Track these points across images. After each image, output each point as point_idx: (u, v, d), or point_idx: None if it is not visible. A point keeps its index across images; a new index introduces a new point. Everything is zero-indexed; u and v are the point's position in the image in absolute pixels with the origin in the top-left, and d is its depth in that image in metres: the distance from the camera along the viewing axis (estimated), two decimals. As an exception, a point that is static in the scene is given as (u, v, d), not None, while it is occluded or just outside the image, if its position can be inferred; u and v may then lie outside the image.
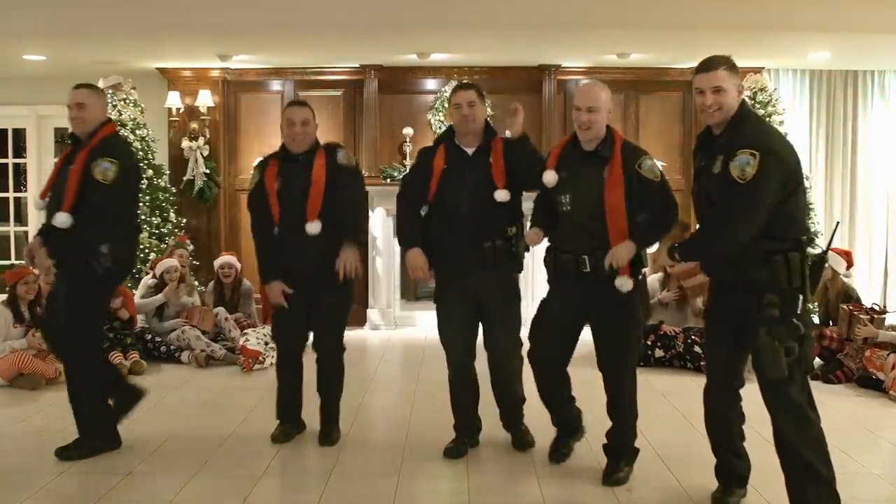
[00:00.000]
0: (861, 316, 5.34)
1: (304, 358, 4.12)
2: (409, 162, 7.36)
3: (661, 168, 3.52)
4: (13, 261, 8.06)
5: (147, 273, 6.61)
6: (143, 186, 7.06)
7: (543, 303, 3.62)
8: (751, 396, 3.06)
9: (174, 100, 7.61)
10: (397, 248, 7.43)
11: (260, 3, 5.59)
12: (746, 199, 2.79)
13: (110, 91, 7.08)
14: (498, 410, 3.98)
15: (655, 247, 5.29)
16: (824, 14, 5.76)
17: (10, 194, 8.54)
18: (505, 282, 3.78)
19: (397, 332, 7.49)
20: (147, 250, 6.91)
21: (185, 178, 7.62)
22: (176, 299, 6.22)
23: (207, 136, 7.65)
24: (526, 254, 3.85)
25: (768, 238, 2.83)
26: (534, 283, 6.48)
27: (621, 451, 3.54)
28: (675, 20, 5.93)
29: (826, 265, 3.06)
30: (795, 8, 5.60)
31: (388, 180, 7.41)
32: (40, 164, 8.14)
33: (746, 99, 5.33)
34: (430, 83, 7.84)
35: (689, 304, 5.93)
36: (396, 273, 7.69)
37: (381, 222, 7.57)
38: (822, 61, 7.46)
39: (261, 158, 4.16)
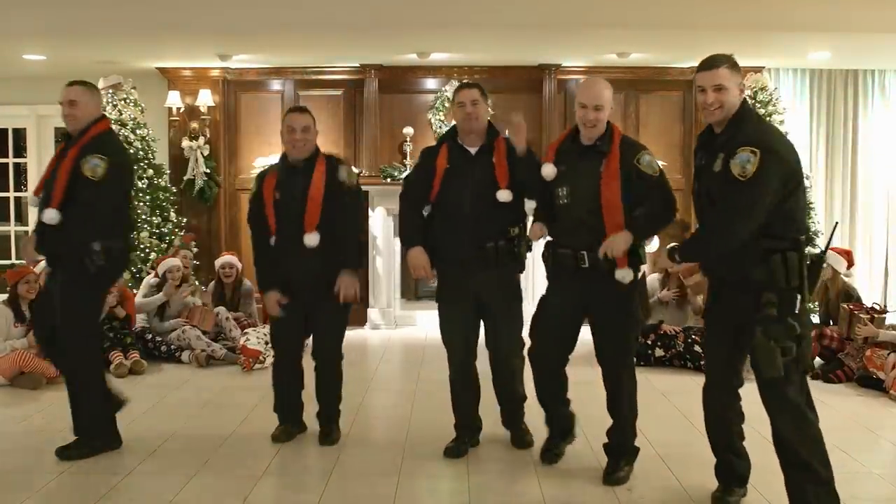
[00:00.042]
0: (861, 315, 5.34)
1: (303, 361, 4.11)
2: (409, 161, 7.37)
3: (660, 164, 3.52)
4: (14, 260, 8.06)
5: (149, 273, 6.61)
6: (144, 186, 7.08)
7: (543, 299, 3.62)
8: (750, 396, 3.06)
9: (174, 99, 7.61)
10: (398, 248, 7.45)
11: (260, 3, 5.59)
12: (746, 196, 2.80)
13: (110, 91, 7.09)
14: (498, 408, 3.99)
15: (655, 247, 5.31)
16: (824, 14, 5.76)
17: (11, 194, 8.56)
18: (507, 282, 3.79)
19: (397, 331, 7.49)
20: (148, 250, 6.92)
21: (185, 178, 7.63)
22: (179, 299, 6.23)
23: (208, 135, 7.66)
24: (528, 254, 3.85)
25: (767, 237, 2.83)
26: (534, 282, 6.48)
27: (621, 450, 3.55)
28: (675, 20, 5.94)
29: (825, 265, 3.06)
30: (795, 8, 5.60)
31: (389, 180, 7.42)
32: (40, 163, 8.11)
33: (747, 98, 5.32)
34: (431, 83, 7.84)
35: (689, 302, 5.93)
36: (397, 273, 7.69)
37: (381, 222, 7.57)
38: (823, 61, 7.46)
39: (261, 170, 4.15)
